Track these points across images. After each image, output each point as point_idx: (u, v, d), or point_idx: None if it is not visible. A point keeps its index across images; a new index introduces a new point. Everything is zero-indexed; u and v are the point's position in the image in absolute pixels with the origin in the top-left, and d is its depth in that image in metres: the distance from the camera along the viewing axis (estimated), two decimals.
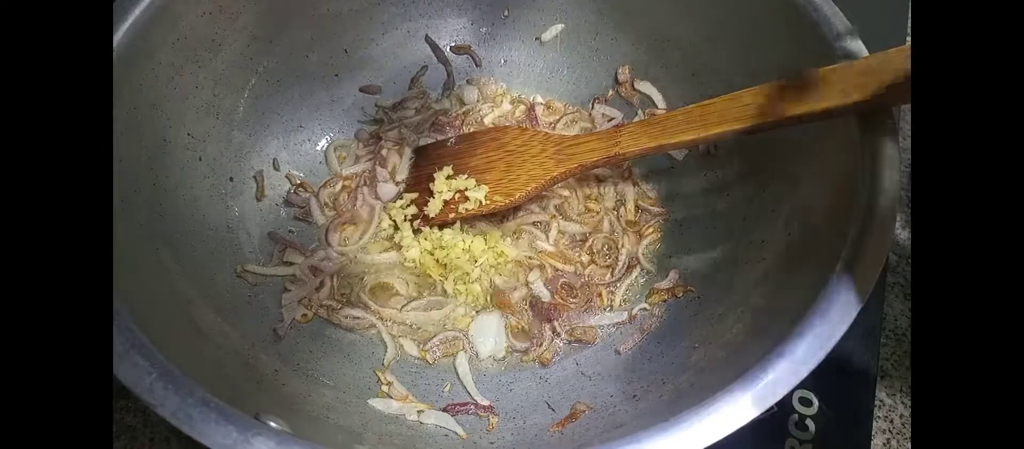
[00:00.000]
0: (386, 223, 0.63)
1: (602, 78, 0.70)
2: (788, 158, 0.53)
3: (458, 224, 0.62)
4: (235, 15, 0.57)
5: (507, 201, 0.59)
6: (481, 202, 0.60)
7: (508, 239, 0.62)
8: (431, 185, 0.62)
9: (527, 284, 0.59)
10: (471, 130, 0.68)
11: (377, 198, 0.64)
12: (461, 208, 0.60)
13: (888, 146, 0.42)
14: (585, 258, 0.61)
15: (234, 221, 0.59)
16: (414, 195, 0.63)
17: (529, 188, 0.58)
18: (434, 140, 0.68)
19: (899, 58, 0.41)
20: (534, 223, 0.62)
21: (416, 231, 0.62)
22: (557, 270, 0.60)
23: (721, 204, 0.59)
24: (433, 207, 0.61)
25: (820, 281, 0.38)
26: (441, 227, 0.61)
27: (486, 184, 0.60)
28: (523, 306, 0.58)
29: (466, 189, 0.60)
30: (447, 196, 0.61)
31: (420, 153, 0.67)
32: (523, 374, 0.55)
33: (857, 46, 0.47)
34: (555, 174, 0.58)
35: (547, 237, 0.62)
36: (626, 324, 0.56)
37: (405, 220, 0.62)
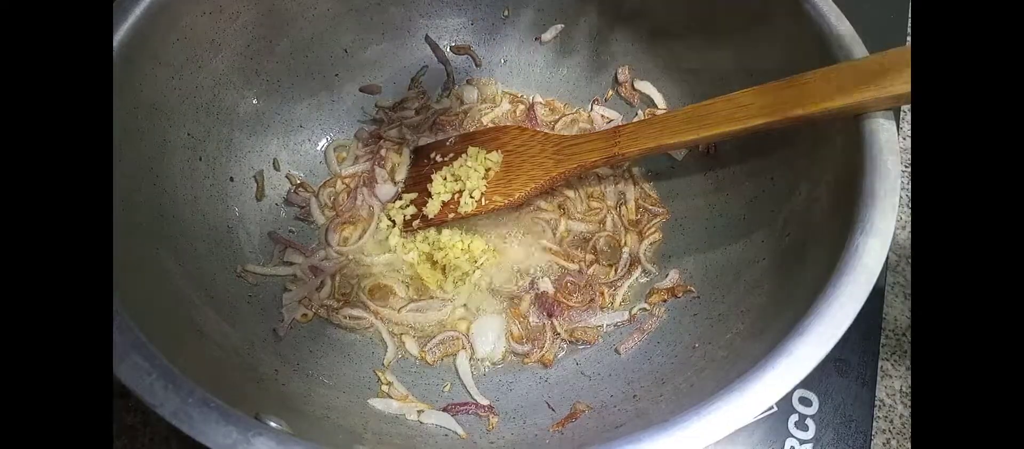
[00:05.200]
0: (385, 223, 0.63)
1: (602, 78, 0.70)
2: (788, 158, 0.53)
3: (458, 223, 0.61)
4: (235, 15, 0.57)
5: (506, 201, 0.59)
6: (480, 202, 0.60)
7: (511, 238, 0.62)
8: (429, 185, 0.62)
9: (530, 284, 0.59)
10: (471, 130, 0.68)
11: (376, 198, 0.64)
12: (460, 208, 0.60)
13: (888, 146, 0.42)
14: (589, 257, 0.61)
15: (234, 221, 0.59)
16: (413, 195, 0.63)
17: (528, 188, 0.58)
18: (434, 140, 0.68)
19: (899, 58, 0.42)
20: (542, 220, 0.62)
21: (411, 232, 0.62)
22: (562, 269, 0.60)
23: (721, 204, 0.59)
24: (432, 207, 0.60)
25: (820, 281, 0.38)
26: (440, 227, 0.61)
27: (485, 184, 0.60)
28: (527, 306, 0.58)
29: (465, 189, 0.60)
30: (446, 197, 0.61)
31: (419, 153, 0.67)
32: (523, 374, 0.55)
33: (857, 46, 0.47)
34: (554, 174, 0.58)
35: (553, 235, 0.62)
36: (626, 324, 0.56)
37: (404, 220, 0.62)
